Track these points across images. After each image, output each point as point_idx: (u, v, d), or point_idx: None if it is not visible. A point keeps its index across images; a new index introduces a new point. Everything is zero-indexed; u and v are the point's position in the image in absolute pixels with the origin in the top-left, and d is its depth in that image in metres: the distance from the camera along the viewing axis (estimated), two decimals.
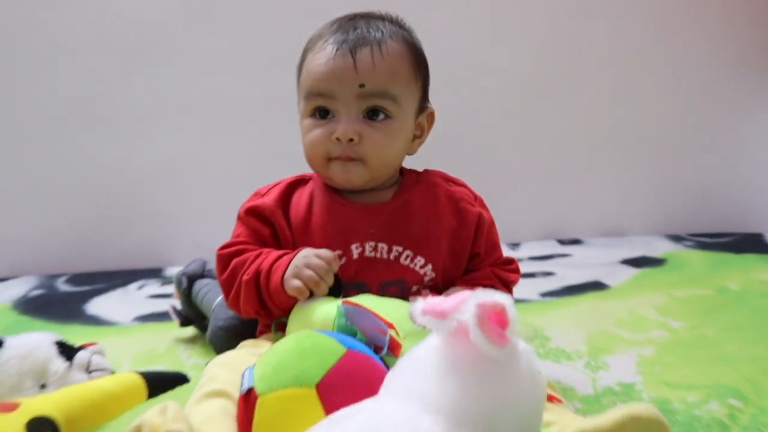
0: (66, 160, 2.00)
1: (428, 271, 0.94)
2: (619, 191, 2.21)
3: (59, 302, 1.66)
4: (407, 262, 0.93)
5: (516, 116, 2.13)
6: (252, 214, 0.95)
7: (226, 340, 1.05)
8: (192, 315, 1.28)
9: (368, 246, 0.92)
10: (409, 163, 1.05)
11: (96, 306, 1.61)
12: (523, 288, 1.61)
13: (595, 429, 0.65)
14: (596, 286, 1.60)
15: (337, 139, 0.90)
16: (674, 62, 2.17)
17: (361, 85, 0.89)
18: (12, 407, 0.64)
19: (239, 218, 0.97)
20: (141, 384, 0.73)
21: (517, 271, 1.06)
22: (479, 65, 2.08)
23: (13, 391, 0.79)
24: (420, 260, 0.93)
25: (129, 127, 1.98)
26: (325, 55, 0.91)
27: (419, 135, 0.98)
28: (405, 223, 0.94)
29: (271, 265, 0.88)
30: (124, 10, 1.92)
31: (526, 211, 2.18)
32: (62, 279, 1.92)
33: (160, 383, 0.74)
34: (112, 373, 0.86)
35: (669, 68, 2.17)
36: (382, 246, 0.92)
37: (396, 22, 0.97)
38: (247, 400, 0.68)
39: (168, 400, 0.61)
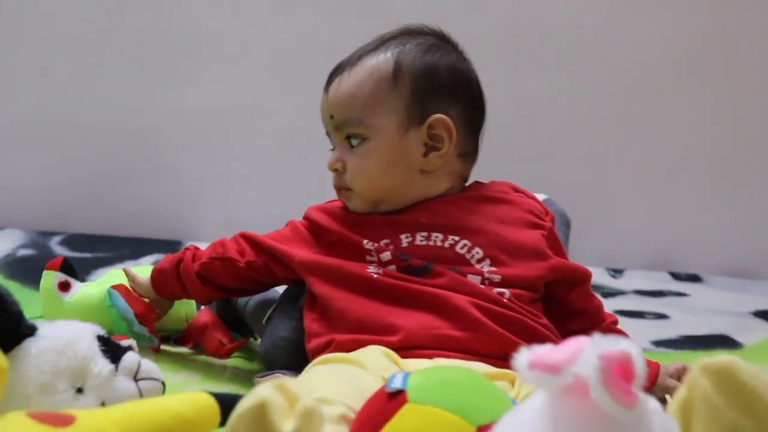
0: (75, 97, 2.01)
1: (486, 266, 1.04)
2: (753, 222, 2.16)
3: None
4: (463, 251, 1.05)
5: (631, 111, 2.11)
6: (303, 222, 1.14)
7: (289, 353, 1.10)
8: (227, 318, 1.32)
9: (419, 236, 1.06)
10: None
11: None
12: (629, 329, 1.58)
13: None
14: (724, 341, 1.57)
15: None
16: None
17: (332, 117, 1.09)
18: (67, 421, 0.65)
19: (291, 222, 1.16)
20: (215, 408, 0.74)
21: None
22: (591, 45, 2.08)
23: (43, 392, 0.80)
24: (478, 252, 1.04)
25: (159, 66, 2.00)
26: None
27: (437, 147, 1.07)
28: (461, 216, 1.07)
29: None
30: None
31: (633, 231, 2.16)
32: (57, 239, 1.93)
33: (233, 408, 0.74)
34: (163, 384, 0.86)
35: None
36: (437, 235, 1.06)
37: (428, 34, 1.12)
38: (391, 399, 0.75)
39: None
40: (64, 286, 1.30)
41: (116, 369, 0.83)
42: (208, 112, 2.03)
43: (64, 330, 0.85)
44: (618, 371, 0.56)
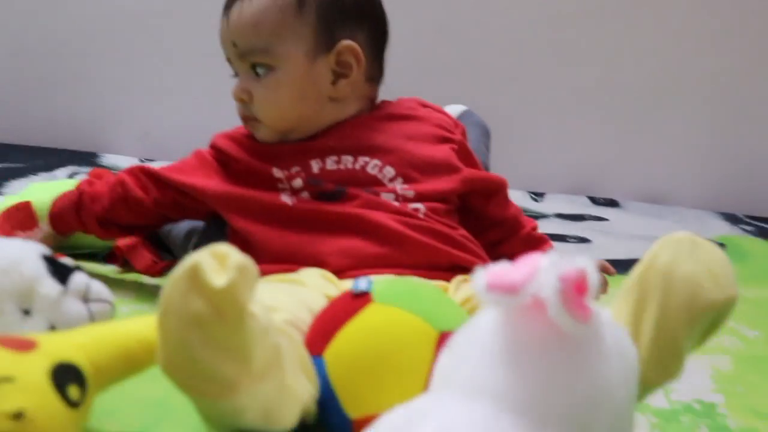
0: None
1: (399, 184, 1.05)
2: (668, 150, 2.20)
3: None
4: (375, 171, 1.06)
5: (556, 35, 2.10)
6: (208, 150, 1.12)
7: None
8: (151, 238, 1.30)
9: (329, 160, 1.06)
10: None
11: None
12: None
13: None
14: None
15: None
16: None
17: (234, 45, 1.06)
18: (28, 346, 0.63)
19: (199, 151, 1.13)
20: None
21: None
22: None
23: None
24: (389, 171, 1.06)
25: None
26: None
27: (346, 74, 1.07)
28: (370, 136, 1.08)
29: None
30: None
31: (555, 156, 2.17)
32: None
33: None
34: (113, 306, 0.84)
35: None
36: (347, 158, 1.06)
37: None
38: (355, 299, 0.79)
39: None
40: None
41: (65, 290, 0.81)
42: (130, 17, 1.94)
43: (8, 249, 0.82)
44: (575, 288, 0.57)
